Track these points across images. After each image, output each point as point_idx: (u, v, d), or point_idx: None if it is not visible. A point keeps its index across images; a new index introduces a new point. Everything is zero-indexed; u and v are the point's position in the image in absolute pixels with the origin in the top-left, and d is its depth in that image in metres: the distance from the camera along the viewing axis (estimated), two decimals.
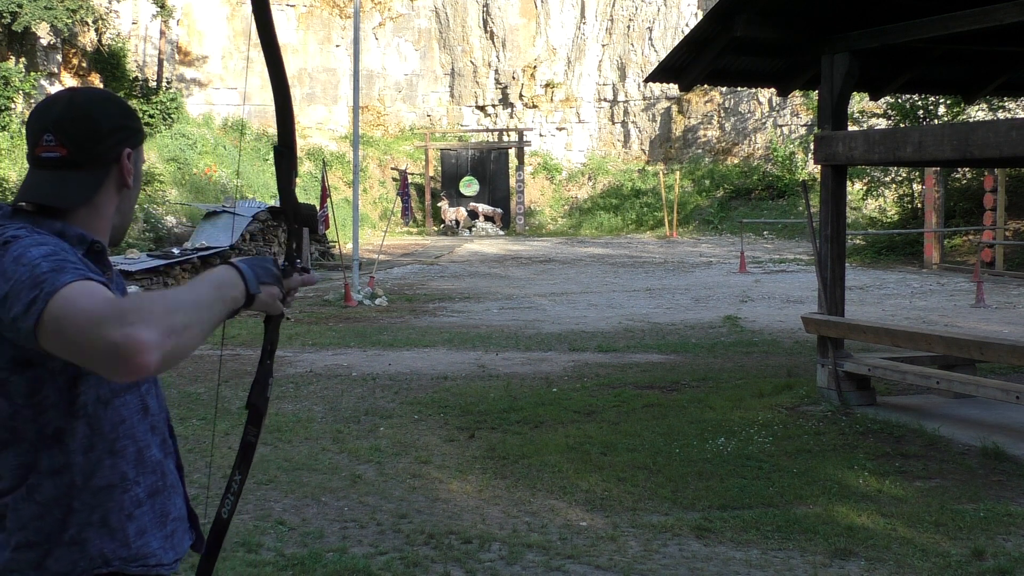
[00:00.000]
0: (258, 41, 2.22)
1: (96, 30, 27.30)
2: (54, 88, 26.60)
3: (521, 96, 37.24)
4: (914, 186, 25.41)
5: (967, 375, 7.88)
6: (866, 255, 23.99)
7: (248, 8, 33.60)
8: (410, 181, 34.31)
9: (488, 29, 36.99)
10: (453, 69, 37.47)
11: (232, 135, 31.74)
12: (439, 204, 33.81)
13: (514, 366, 10.49)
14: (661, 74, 9.34)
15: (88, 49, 28.09)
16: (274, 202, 24.91)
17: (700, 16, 32.92)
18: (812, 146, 14.73)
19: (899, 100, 23.98)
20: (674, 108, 36.33)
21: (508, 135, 36.27)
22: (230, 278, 1.87)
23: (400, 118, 36.83)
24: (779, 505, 5.77)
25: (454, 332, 13.00)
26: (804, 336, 11.10)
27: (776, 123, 34.16)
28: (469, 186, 34.36)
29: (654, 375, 9.84)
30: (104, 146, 1.94)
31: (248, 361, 10.83)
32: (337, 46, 35.10)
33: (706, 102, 35.70)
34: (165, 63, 31.23)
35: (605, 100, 37.43)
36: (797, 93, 24.20)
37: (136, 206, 16.01)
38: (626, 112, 37.19)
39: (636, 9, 36.45)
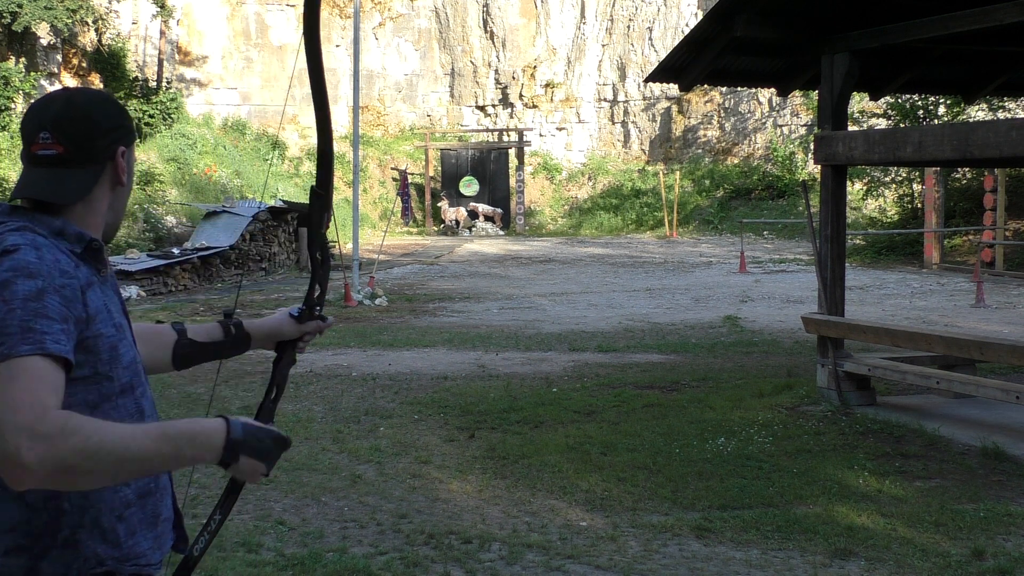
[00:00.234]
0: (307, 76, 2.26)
1: (96, 30, 27.31)
2: (54, 88, 26.53)
3: (521, 96, 37.25)
4: (914, 186, 25.41)
5: (967, 375, 7.88)
6: (866, 255, 23.99)
7: (248, 8, 33.63)
8: (410, 181, 34.31)
9: (488, 29, 36.99)
10: (453, 69, 37.47)
11: (232, 135, 31.74)
12: (439, 204, 33.81)
13: (514, 366, 10.49)
14: (661, 74, 9.34)
15: (88, 49, 28.09)
16: (274, 202, 24.90)
17: (700, 16, 32.92)
18: (812, 146, 14.73)
19: (899, 100, 23.98)
20: (674, 108, 36.33)
21: (508, 135, 36.27)
22: (207, 437, 1.82)
23: (400, 118, 36.84)
24: (779, 505, 5.77)
25: (454, 332, 13.00)
26: (804, 336, 11.10)
27: (776, 123, 34.16)
28: (469, 186, 34.37)
29: (654, 375, 9.84)
30: (100, 144, 1.95)
31: (248, 361, 10.83)
32: (337, 46, 35.09)
33: (706, 102, 35.70)
34: (165, 63, 31.24)
35: (605, 100, 37.43)
36: (797, 93, 24.20)
37: (136, 206, 15.94)
38: (626, 112, 37.19)
39: (636, 9, 36.45)
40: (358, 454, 6.92)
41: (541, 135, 37.25)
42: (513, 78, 37.12)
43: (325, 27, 34.96)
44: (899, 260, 23.23)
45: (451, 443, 7.25)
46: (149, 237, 21.47)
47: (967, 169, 23.76)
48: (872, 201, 27.50)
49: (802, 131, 33.01)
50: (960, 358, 7.95)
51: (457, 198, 34.16)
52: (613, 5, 36.63)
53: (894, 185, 26.00)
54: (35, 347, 1.73)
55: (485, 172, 34.67)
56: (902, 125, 23.14)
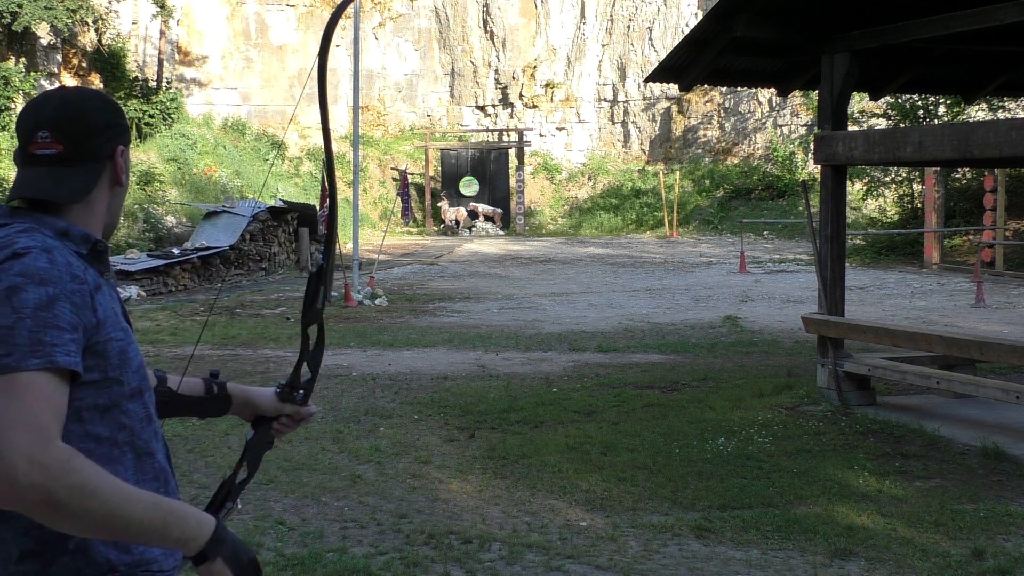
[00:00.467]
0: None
1: (96, 30, 27.30)
2: (53, 88, 26.57)
3: (521, 96, 37.25)
4: (914, 186, 25.41)
5: (967, 375, 7.88)
6: (866, 255, 23.99)
7: (248, 8, 33.64)
8: (410, 181, 34.31)
9: (488, 29, 36.99)
10: (453, 69, 37.47)
11: (232, 135, 31.74)
12: (439, 204, 33.81)
13: (514, 366, 10.49)
14: (661, 74, 9.34)
15: (88, 49, 28.09)
16: (274, 202, 24.90)
17: (700, 16, 32.92)
18: (812, 146, 14.73)
19: (899, 100, 23.98)
20: (674, 108, 36.33)
21: (508, 135, 36.27)
22: (197, 526, 1.79)
23: (400, 118, 36.83)
24: (779, 505, 5.77)
25: (454, 332, 13.00)
26: (804, 336, 11.10)
27: (776, 123, 34.16)
28: (469, 186, 34.37)
29: (654, 375, 9.84)
30: (98, 143, 1.93)
31: (248, 361, 10.83)
32: (337, 46, 35.06)
33: (706, 102, 35.70)
34: (165, 63, 31.24)
35: (605, 100, 37.43)
36: (797, 93, 24.20)
37: (136, 206, 15.88)
38: (626, 112, 37.19)
39: (636, 9, 36.45)
40: (358, 454, 6.92)
41: (541, 135, 37.25)
42: (513, 78, 37.11)
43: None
44: (899, 260, 23.23)
45: (451, 443, 7.25)
46: (149, 237, 21.47)
47: (967, 169, 23.76)
48: (872, 201, 27.51)
49: (802, 131, 33.01)
50: (960, 358, 7.95)
51: (457, 198, 34.16)
52: (613, 5, 36.63)
53: (894, 185, 26.01)
54: (44, 360, 1.71)
55: (485, 172, 34.67)
56: (902, 125, 23.14)
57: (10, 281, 1.73)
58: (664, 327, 13.42)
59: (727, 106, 35.40)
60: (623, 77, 36.93)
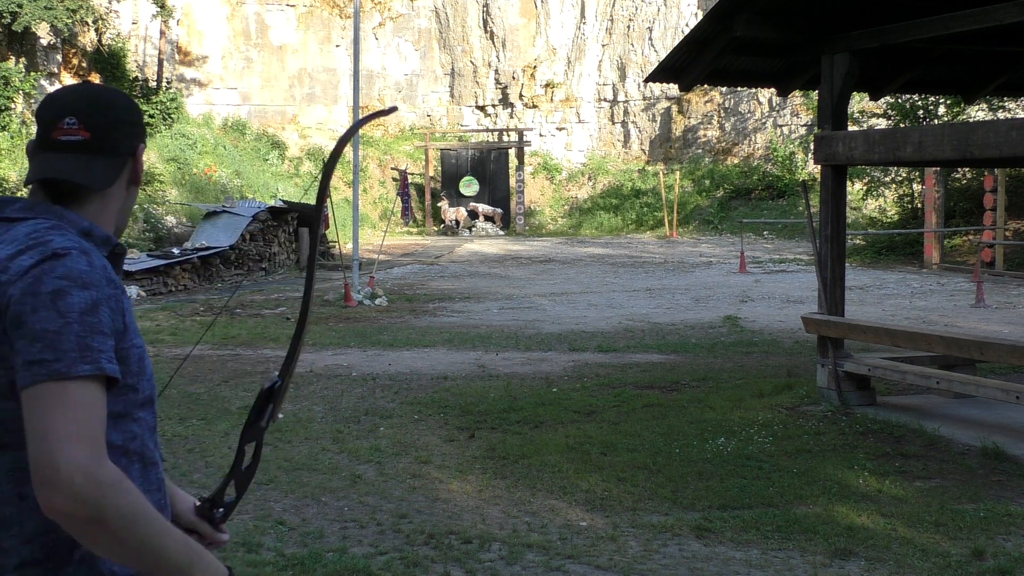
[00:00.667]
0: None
1: (96, 30, 27.31)
2: (54, 88, 26.57)
3: (521, 96, 37.25)
4: (914, 186, 25.41)
5: (967, 375, 7.88)
6: (866, 255, 23.99)
7: (248, 8, 33.63)
8: (410, 181, 34.31)
9: (488, 29, 36.99)
10: (453, 69, 37.47)
11: (232, 135, 31.74)
12: (439, 204, 33.81)
13: (514, 366, 10.49)
14: (661, 74, 9.34)
15: (88, 49, 28.10)
16: (274, 202, 24.91)
17: (700, 16, 32.91)
18: (812, 146, 14.73)
19: (899, 100, 23.98)
20: (674, 108, 36.33)
21: (508, 135, 36.27)
22: (214, 570, 1.78)
23: (400, 118, 36.83)
24: (779, 505, 5.77)
25: (454, 332, 13.00)
26: (804, 336, 11.10)
27: (776, 123, 34.16)
28: (469, 186, 34.37)
29: (654, 375, 9.84)
30: (122, 136, 1.91)
31: (248, 361, 10.83)
32: (337, 46, 35.10)
33: (706, 102, 35.70)
34: (165, 63, 31.24)
35: (605, 100, 37.43)
36: (797, 93, 24.20)
37: (136, 206, 15.85)
38: (626, 112, 37.19)
39: (636, 9, 36.45)
40: (358, 454, 6.92)
41: (541, 135, 37.25)
42: (513, 78, 37.11)
43: (325, 27, 35.01)
44: (899, 260, 23.23)
45: (451, 443, 7.25)
46: (149, 237, 21.47)
47: (967, 169, 23.76)
48: (872, 201, 27.50)
49: (802, 131, 33.00)
50: (960, 358, 7.95)
51: (457, 198, 34.16)
52: (613, 5, 36.63)
53: (894, 185, 26.00)
54: (94, 367, 1.67)
55: (485, 172, 34.67)
56: (902, 125, 23.14)
57: (54, 284, 1.69)
58: (664, 327, 13.42)
59: (727, 106, 35.40)
60: (623, 77, 36.93)
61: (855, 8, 8.16)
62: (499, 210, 33.85)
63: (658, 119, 36.75)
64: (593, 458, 6.77)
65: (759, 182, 32.46)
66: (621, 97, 37.12)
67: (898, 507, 5.72)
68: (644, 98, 36.70)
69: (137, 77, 29.09)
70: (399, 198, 33.20)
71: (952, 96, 18.39)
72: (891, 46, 8.23)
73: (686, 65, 9.04)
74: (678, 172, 34.17)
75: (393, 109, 2.21)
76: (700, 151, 35.71)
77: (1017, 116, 23.23)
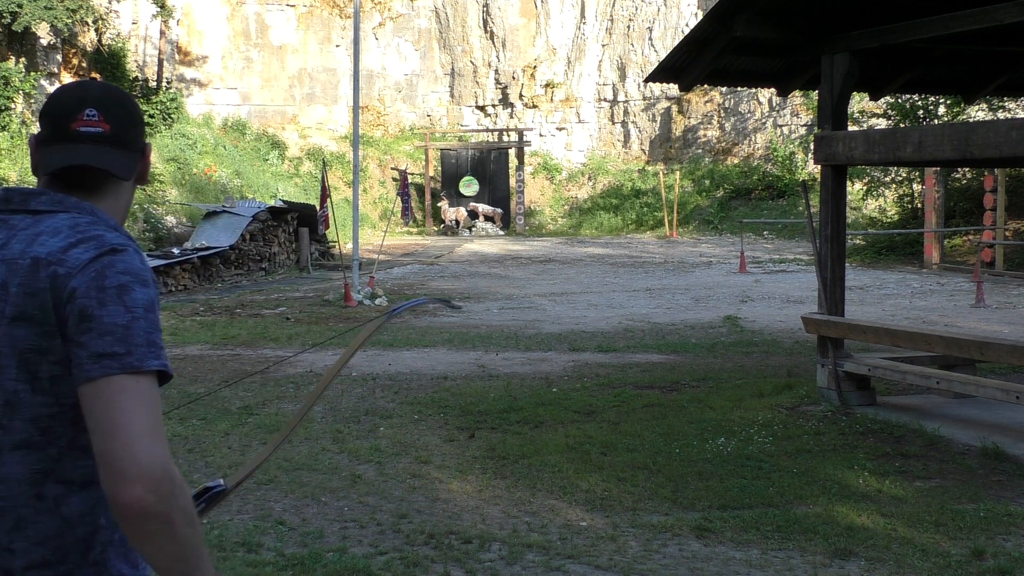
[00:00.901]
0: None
1: (96, 30, 27.30)
2: (54, 88, 26.55)
3: (521, 96, 37.24)
4: (914, 186, 25.41)
5: (967, 375, 7.87)
6: (866, 255, 23.99)
7: (248, 8, 33.62)
8: (410, 181, 34.30)
9: (488, 29, 36.99)
10: (453, 69, 37.47)
11: (232, 135, 31.74)
12: (439, 204, 33.81)
13: (514, 366, 10.49)
14: (661, 74, 9.34)
15: (88, 49, 28.09)
16: (274, 202, 24.91)
17: (700, 16, 32.91)
18: (812, 146, 14.73)
19: (899, 100, 23.98)
20: (674, 108, 36.33)
21: (508, 135, 36.27)
22: None
23: (400, 118, 36.83)
24: (779, 505, 5.77)
25: (454, 332, 13.00)
26: (804, 336, 11.09)
27: (776, 123, 34.16)
28: (469, 186, 34.36)
29: (654, 375, 9.84)
30: (136, 132, 1.92)
31: (248, 361, 10.83)
32: (337, 46, 35.09)
33: (706, 102, 35.70)
34: (165, 63, 31.24)
35: (605, 100, 37.43)
36: (797, 93, 24.20)
37: (136, 206, 15.92)
38: (626, 112, 37.19)
39: (636, 9, 36.45)
40: (358, 454, 6.92)
41: (541, 135, 37.24)
42: (513, 78, 37.11)
43: (325, 27, 35.01)
44: (899, 260, 23.23)
45: (451, 443, 7.25)
46: (149, 237, 21.47)
47: (967, 169, 23.76)
48: (872, 201, 27.50)
49: (802, 131, 33.00)
50: (960, 358, 7.95)
51: (457, 198, 34.15)
52: (613, 5, 36.63)
53: (894, 185, 26.00)
54: (160, 363, 1.71)
55: (485, 172, 34.67)
56: (902, 125, 23.14)
57: (118, 279, 1.70)
58: (664, 327, 13.42)
59: (727, 106, 35.40)
60: (623, 77, 36.93)
61: (855, 8, 8.16)
62: (499, 210, 33.85)
63: (658, 119, 36.75)
64: (593, 458, 6.77)
65: (759, 182, 32.46)
66: (621, 97, 37.11)
67: (898, 507, 5.72)
68: (644, 98, 36.69)
69: (137, 77, 29.08)
70: (399, 198, 33.18)
71: (952, 96, 18.39)
72: (891, 46, 8.23)
73: (686, 65, 9.04)
74: (678, 172, 34.17)
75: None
76: (700, 151, 35.71)
77: (1017, 116, 23.23)
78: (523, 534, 5.29)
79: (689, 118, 36.07)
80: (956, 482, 6.25)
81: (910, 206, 25.79)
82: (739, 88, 29.35)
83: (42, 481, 1.73)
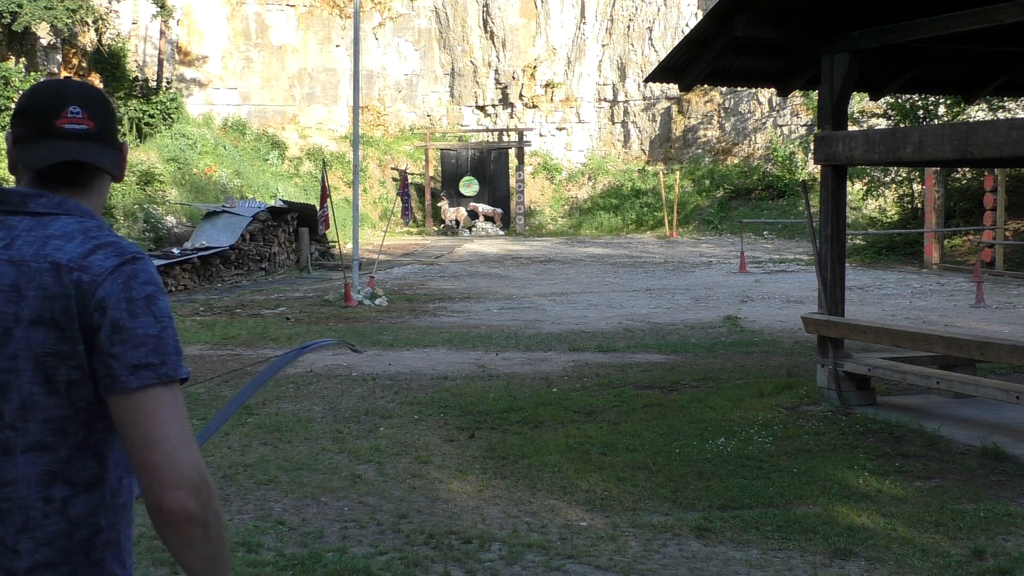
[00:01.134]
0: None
1: (96, 30, 27.30)
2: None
3: (521, 96, 37.24)
4: (914, 186, 25.41)
5: (967, 375, 7.87)
6: (866, 255, 23.99)
7: (248, 8, 33.62)
8: (410, 181, 34.29)
9: (488, 29, 36.99)
10: (453, 69, 37.47)
11: (232, 135, 31.74)
12: (439, 204, 33.81)
13: (514, 366, 10.49)
14: (661, 74, 9.34)
15: (88, 49, 28.09)
16: (274, 202, 24.90)
17: (700, 16, 32.91)
18: (812, 146, 14.73)
19: (899, 100, 23.98)
20: (674, 108, 36.33)
21: (508, 135, 36.27)
22: None
23: (400, 118, 36.84)
24: (779, 505, 5.77)
25: (454, 332, 13.00)
26: (804, 336, 11.09)
27: (776, 123, 34.16)
28: (469, 186, 34.36)
29: (654, 375, 9.84)
30: (116, 130, 1.94)
31: (248, 361, 10.83)
32: (337, 46, 35.09)
33: (706, 102, 35.70)
34: (165, 63, 31.23)
35: (605, 100, 37.43)
36: (797, 93, 24.20)
37: (136, 206, 15.86)
38: (626, 112, 37.19)
39: (636, 9, 36.45)
40: (358, 454, 6.92)
41: (541, 135, 37.24)
42: (513, 78, 37.11)
43: (325, 27, 35.01)
44: (899, 260, 23.23)
45: (451, 443, 7.25)
46: (149, 237, 21.47)
47: (967, 169, 23.75)
48: (872, 201, 27.50)
49: (802, 131, 33.00)
50: (960, 358, 7.95)
51: (457, 198, 34.15)
52: (613, 5, 36.63)
53: (894, 185, 26.00)
54: (186, 369, 1.76)
55: (485, 172, 34.67)
56: (902, 125, 23.14)
57: (144, 290, 1.74)
58: (664, 327, 13.42)
59: (727, 106, 35.40)
60: (623, 77, 36.93)
61: (855, 8, 8.16)
62: (499, 210, 33.85)
63: (658, 119, 36.75)
64: (593, 458, 6.77)
65: (759, 182, 32.46)
66: (621, 97, 37.11)
67: (898, 507, 5.72)
68: (644, 98, 36.69)
69: (137, 77, 29.08)
70: (399, 198, 33.11)
71: (952, 96, 18.39)
72: (891, 46, 8.23)
73: (686, 65, 9.04)
74: (678, 172, 34.17)
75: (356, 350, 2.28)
76: (700, 151, 35.71)
77: (1017, 116, 23.23)
78: (523, 534, 5.29)
79: (689, 118, 36.07)
80: (956, 482, 6.25)
81: (910, 206, 25.79)
82: (739, 88, 29.34)
83: (51, 482, 1.75)
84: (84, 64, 28.06)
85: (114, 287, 1.71)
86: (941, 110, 23.98)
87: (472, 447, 7.11)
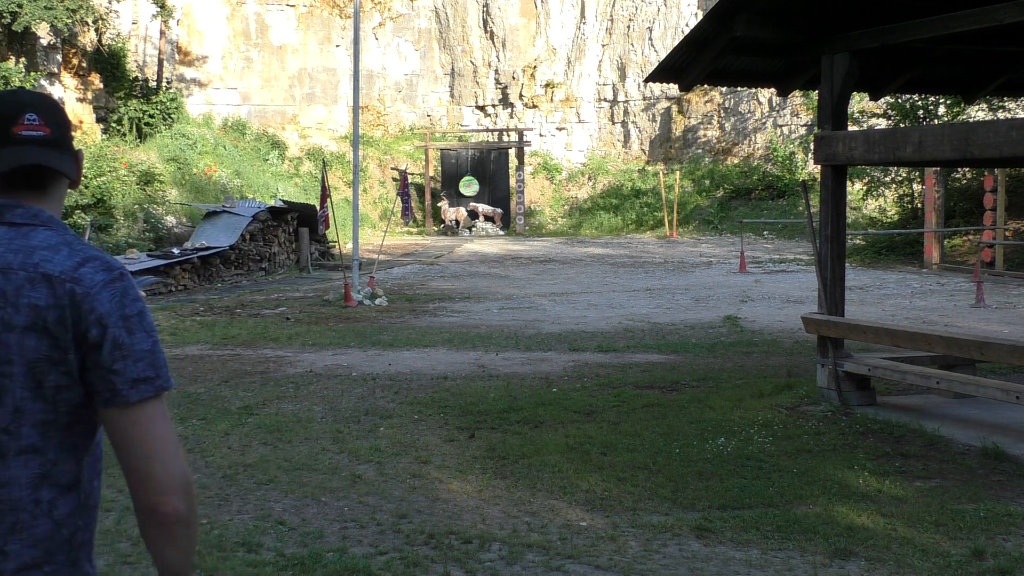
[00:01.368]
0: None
1: (96, 30, 27.30)
2: (54, 88, 26.57)
3: (521, 96, 37.24)
4: (914, 186, 25.41)
5: (967, 375, 7.87)
6: (866, 255, 23.99)
7: (248, 8, 33.61)
8: (410, 181, 34.28)
9: (488, 29, 36.99)
10: (453, 69, 37.47)
11: (232, 135, 31.73)
12: (439, 204, 33.81)
13: (514, 366, 10.49)
14: (661, 74, 9.34)
15: (88, 49, 28.09)
16: (274, 202, 24.90)
17: (700, 16, 32.91)
18: (812, 146, 14.73)
19: (899, 100, 23.98)
20: (674, 108, 36.33)
21: (508, 135, 36.27)
22: None
23: (400, 118, 36.84)
24: (779, 505, 5.77)
25: (454, 332, 13.00)
26: (804, 336, 11.09)
27: (776, 123, 34.16)
28: (469, 186, 34.36)
29: (654, 375, 9.83)
30: (71, 137, 1.97)
31: (248, 361, 10.83)
32: (337, 46, 35.08)
33: (706, 102, 35.70)
34: (165, 63, 31.23)
35: (605, 100, 37.43)
36: (797, 93, 24.19)
37: (136, 206, 15.87)
38: (626, 112, 37.18)
39: (636, 9, 36.44)
40: (358, 454, 6.92)
41: (541, 135, 37.24)
42: (513, 78, 37.11)
43: (325, 27, 35.01)
44: (899, 260, 23.23)
45: (451, 443, 7.25)
46: (149, 237, 21.47)
47: (967, 169, 23.75)
48: (872, 201, 27.50)
49: (802, 131, 33.00)
50: (960, 358, 7.95)
51: (457, 198, 34.15)
52: (613, 5, 36.62)
53: (894, 185, 26.00)
54: (173, 380, 1.88)
55: (485, 172, 34.67)
56: (902, 125, 23.14)
57: (135, 306, 1.84)
58: (664, 327, 13.42)
59: (727, 106, 35.40)
60: (623, 77, 36.93)
61: (855, 8, 8.16)
62: (499, 210, 33.85)
63: (658, 119, 36.75)
64: (593, 458, 6.77)
65: (759, 182, 32.46)
66: (621, 97, 37.11)
67: (898, 507, 5.72)
68: (644, 98, 36.69)
69: (137, 77, 29.08)
70: (399, 198, 33.05)
71: (952, 96, 18.39)
72: (891, 46, 8.23)
73: (686, 65, 9.03)
74: (678, 172, 34.17)
75: None
76: (700, 151, 35.71)
77: (1017, 116, 23.23)
78: (523, 534, 5.29)
79: (689, 118, 36.07)
80: (956, 482, 6.24)
81: (910, 206, 25.79)
82: (739, 88, 29.35)
83: (41, 484, 1.80)
84: (84, 64, 28.05)
85: (112, 305, 1.80)
86: (941, 110, 23.98)
87: (472, 447, 7.11)
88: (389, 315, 15.00)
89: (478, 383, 9.48)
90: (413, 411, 8.28)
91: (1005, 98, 21.21)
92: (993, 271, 20.34)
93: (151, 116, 27.23)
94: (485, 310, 15.68)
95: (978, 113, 24.00)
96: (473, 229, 33.31)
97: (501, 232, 33.35)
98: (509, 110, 37.55)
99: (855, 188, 27.09)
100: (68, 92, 27.35)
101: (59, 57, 27.16)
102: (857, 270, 21.25)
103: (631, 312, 15.17)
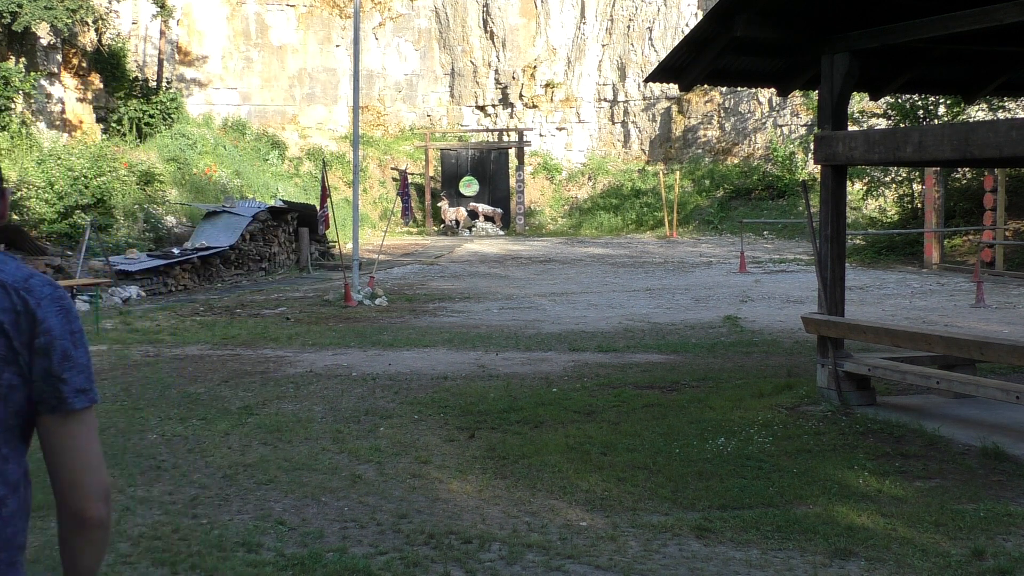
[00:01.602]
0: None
1: (96, 30, 27.29)
2: (54, 88, 26.58)
3: (521, 96, 37.24)
4: (914, 186, 25.41)
5: (967, 375, 7.87)
6: (866, 255, 23.99)
7: (248, 8, 33.60)
8: (410, 181, 34.29)
9: (488, 29, 36.99)
10: (453, 69, 37.47)
11: (232, 135, 31.73)
12: (439, 204, 33.81)
13: (514, 366, 10.49)
14: (661, 74, 9.34)
15: (88, 49, 28.08)
16: (274, 202, 24.89)
17: (700, 16, 32.91)
18: (812, 146, 14.73)
19: (899, 100, 23.98)
20: (674, 108, 36.32)
21: (508, 135, 36.27)
22: None
23: (400, 118, 36.83)
24: (779, 505, 5.77)
25: (454, 332, 13.00)
26: (804, 336, 11.09)
27: (776, 123, 34.16)
28: (469, 186, 34.36)
29: (654, 375, 9.83)
30: (2, 175, 2.06)
31: (248, 361, 10.83)
32: (337, 46, 35.09)
33: (706, 102, 35.70)
34: (165, 63, 31.23)
35: (605, 100, 37.43)
36: (797, 93, 24.20)
37: (136, 206, 15.87)
38: (626, 112, 37.18)
39: (636, 9, 36.44)
40: (358, 454, 6.92)
41: (541, 135, 37.24)
42: (513, 78, 37.11)
43: (325, 27, 35.00)
44: (899, 260, 23.23)
45: (451, 443, 7.25)
46: (149, 237, 21.46)
47: (967, 169, 23.75)
48: (872, 201, 27.50)
49: (802, 131, 33.00)
50: (960, 358, 7.95)
51: (457, 198, 34.15)
52: (613, 5, 36.62)
53: (894, 185, 26.00)
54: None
55: (485, 172, 34.67)
56: (902, 125, 23.14)
57: (77, 323, 1.96)
58: (664, 327, 13.42)
59: (727, 106, 35.40)
60: (623, 77, 36.93)
61: (855, 8, 8.16)
62: (499, 210, 33.85)
63: (658, 119, 36.75)
64: (593, 458, 6.77)
65: (759, 182, 32.46)
66: (621, 97, 37.11)
67: (898, 507, 5.72)
68: (644, 98, 36.69)
69: (137, 77, 29.08)
70: (399, 198, 33.08)
71: (952, 96, 18.39)
72: (891, 46, 8.23)
73: (686, 65, 9.03)
74: (678, 172, 34.17)
75: None
76: (700, 151, 35.71)
77: (1017, 116, 23.23)
78: (523, 534, 5.29)
79: (689, 118, 36.07)
80: (956, 482, 6.24)
81: (910, 206, 25.79)
82: (739, 88, 29.36)
83: None
84: (84, 64, 28.04)
85: (59, 320, 1.92)
86: (941, 110, 23.98)
87: (472, 447, 7.11)
88: (389, 315, 15.00)
89: (478, 383, 9.48)
90: (413, 411, 8.28)
91: (1005, 98, 21.22)
92: (993, 271, 20.34)
93: (151, 116, 27.23)
94: (485, 310, 15.68)
95: (978, 113, 24.00)
96: (473, 229, 33.31)
97: (501, 232, 33.35)
98: (509, 110, 37.55)
99: (855, 188, 27.10)
100: (68, 92, 27.36)
101: (59, 57, 27.16)
102: (857, 270, 21.25)
103: (631, 312, 15.17)
